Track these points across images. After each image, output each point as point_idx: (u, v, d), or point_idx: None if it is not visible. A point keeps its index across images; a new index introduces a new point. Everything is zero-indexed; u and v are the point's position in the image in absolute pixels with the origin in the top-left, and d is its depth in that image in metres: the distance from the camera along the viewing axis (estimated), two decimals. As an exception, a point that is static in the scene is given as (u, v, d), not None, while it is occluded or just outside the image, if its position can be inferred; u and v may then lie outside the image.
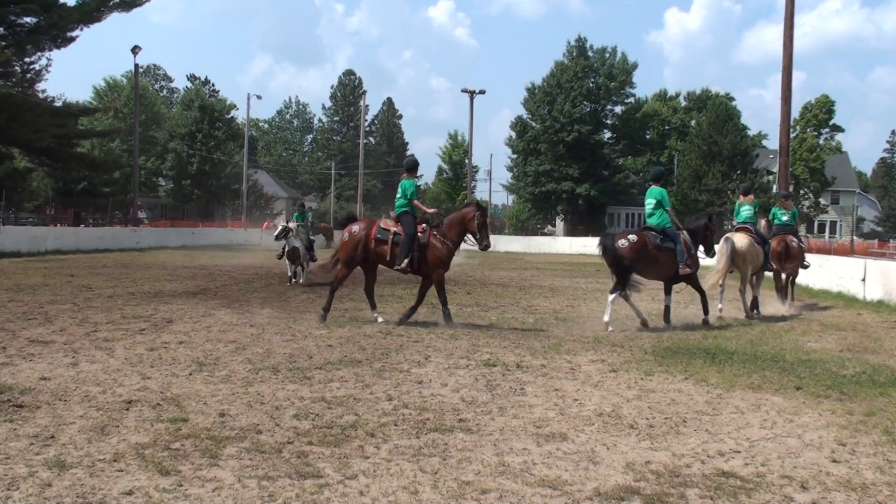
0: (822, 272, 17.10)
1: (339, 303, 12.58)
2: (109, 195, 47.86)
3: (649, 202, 10.51)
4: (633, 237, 10.05)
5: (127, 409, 5.30)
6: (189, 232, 39.04)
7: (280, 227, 15.64)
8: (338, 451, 4.50)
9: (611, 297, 9.98)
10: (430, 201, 74.40)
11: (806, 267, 14.09)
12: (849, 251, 40.21)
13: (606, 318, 9.95)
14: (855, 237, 52.11)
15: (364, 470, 4.18)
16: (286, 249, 15.50)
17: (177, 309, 10.96)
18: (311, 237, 16.27)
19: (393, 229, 9.92)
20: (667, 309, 10.51)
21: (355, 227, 10.07)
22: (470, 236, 10.05)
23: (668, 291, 10.58)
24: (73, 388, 5.90)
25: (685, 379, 6.83)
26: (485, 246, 9.98)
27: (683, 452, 4.65)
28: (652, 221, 10.41)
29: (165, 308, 11.01)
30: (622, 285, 9.94)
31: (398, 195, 10.16)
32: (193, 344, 8.06)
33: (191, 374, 6.51)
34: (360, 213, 54.51)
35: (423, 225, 10.02)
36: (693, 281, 10.54)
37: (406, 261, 9.69)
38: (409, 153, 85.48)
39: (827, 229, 67.18)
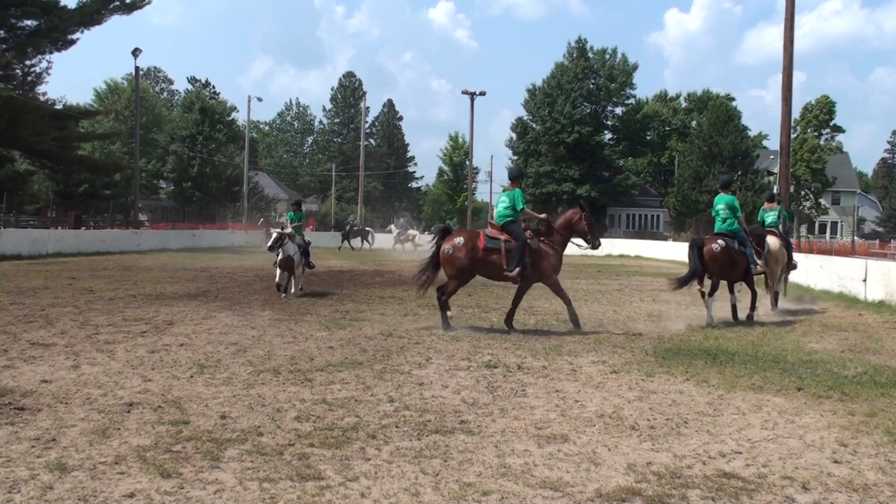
0: (823, 273, 17.11)
1: (340, 304, 12.59)
2: (110, 198, 47.87)
3: (722, 208, 11.13)
4: (721, 242, 10.76)
5: (128, 412, 5.30)
6: (190, 234, 38.98)
7: (274, 236, 13.63)
8: (339, 452, 4.50)
9: (709, 300, 10.72)
10: (431, 203, 74.44)
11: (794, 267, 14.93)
12: (850, 252, 40.11)
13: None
14: (856, 238, 52.02)
15: (365, 472, 4.18)
16: (279, 258, 13.68)
17: (178, 311, 10.97)
18: (307, 240, 14.55)
19: (502, 237, 9.59)
20: (734, 307, 11.15)
21: (458, 240, 9.68)
22: (577, 238, 10.05)
23: (732, 290, 11.32)
24: (75, 390, 5.91)
25: (686, 380, 6.83)
26: (596, 245, 10.06)
27: (685, 453, 4.65)
28: (725, 227, 11.04)
29: (166, 310, 11.02)
30: (715, 287, 10.76)
31: (504, 205, 9.75)
32: (194, 346, 8.06)
33: (192, 377, 6.51)
34: (360, 214, 54.53)
35: (529, 231, 9.78)
36: (751, 279, 11.31)
37: (518, 269, 9.43)
38: (409, 155, 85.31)
39: (828, 230, 67.18)
